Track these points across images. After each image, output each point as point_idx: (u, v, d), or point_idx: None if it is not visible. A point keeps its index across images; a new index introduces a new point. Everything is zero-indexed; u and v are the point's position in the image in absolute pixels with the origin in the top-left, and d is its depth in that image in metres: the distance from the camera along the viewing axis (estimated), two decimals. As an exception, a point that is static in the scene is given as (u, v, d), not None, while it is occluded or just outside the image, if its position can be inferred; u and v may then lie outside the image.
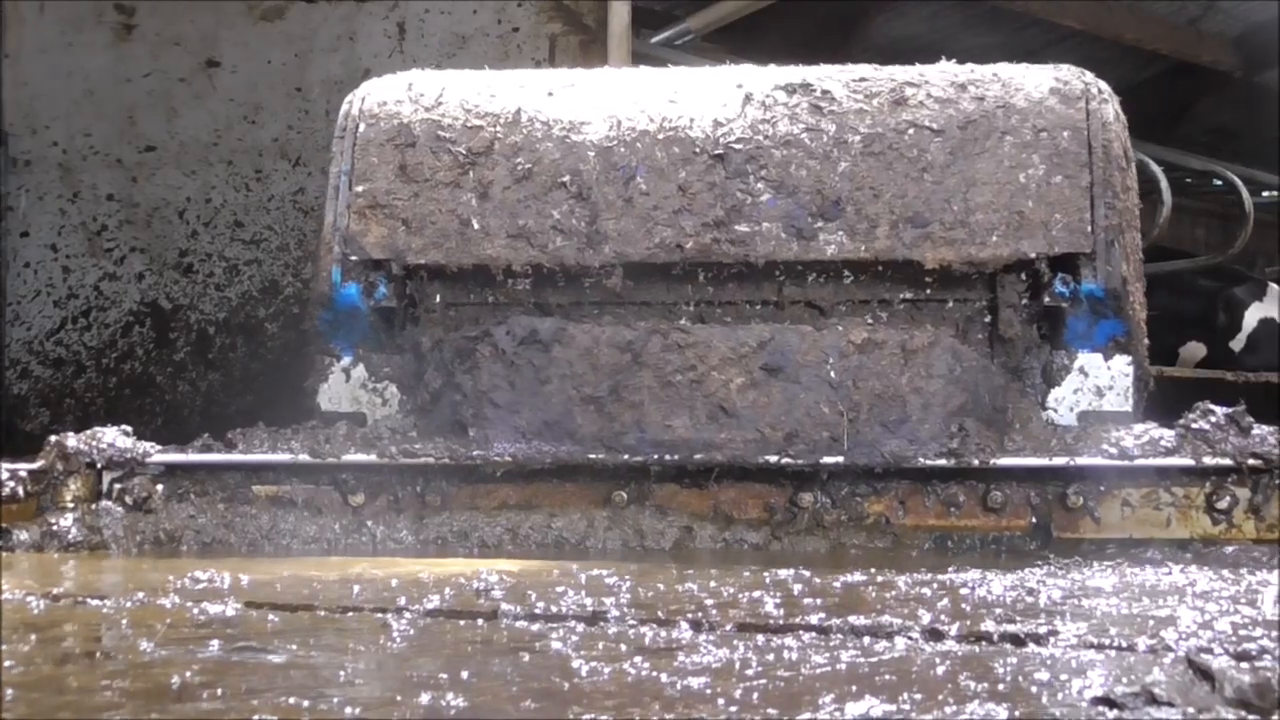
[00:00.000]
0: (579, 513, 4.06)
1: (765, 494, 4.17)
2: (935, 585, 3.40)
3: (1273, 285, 11.85)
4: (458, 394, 4.27)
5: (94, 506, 3.88)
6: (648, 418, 4.14)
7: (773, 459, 4.10)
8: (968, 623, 2.82)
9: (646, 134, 4.54)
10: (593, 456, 4.09)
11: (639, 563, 3.75)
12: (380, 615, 2.97)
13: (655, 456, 4.08)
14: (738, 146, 4.53)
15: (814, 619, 2.89)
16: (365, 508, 4.08)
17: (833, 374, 4.22)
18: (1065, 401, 4.53)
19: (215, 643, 2.64)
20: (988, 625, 2.80)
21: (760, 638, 2.69)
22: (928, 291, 4.54)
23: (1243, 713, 1.90)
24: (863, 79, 4.78)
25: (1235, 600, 3.14)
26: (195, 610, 3.00)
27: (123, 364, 9.28)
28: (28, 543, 3.69)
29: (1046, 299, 4.50)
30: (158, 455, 4.00)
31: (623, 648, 2.61)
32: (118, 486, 3.90)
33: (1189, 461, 4.13)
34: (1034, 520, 4.17)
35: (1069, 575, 3.58)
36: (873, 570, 3.59)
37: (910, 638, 2.68)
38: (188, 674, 2.32)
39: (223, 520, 3.92)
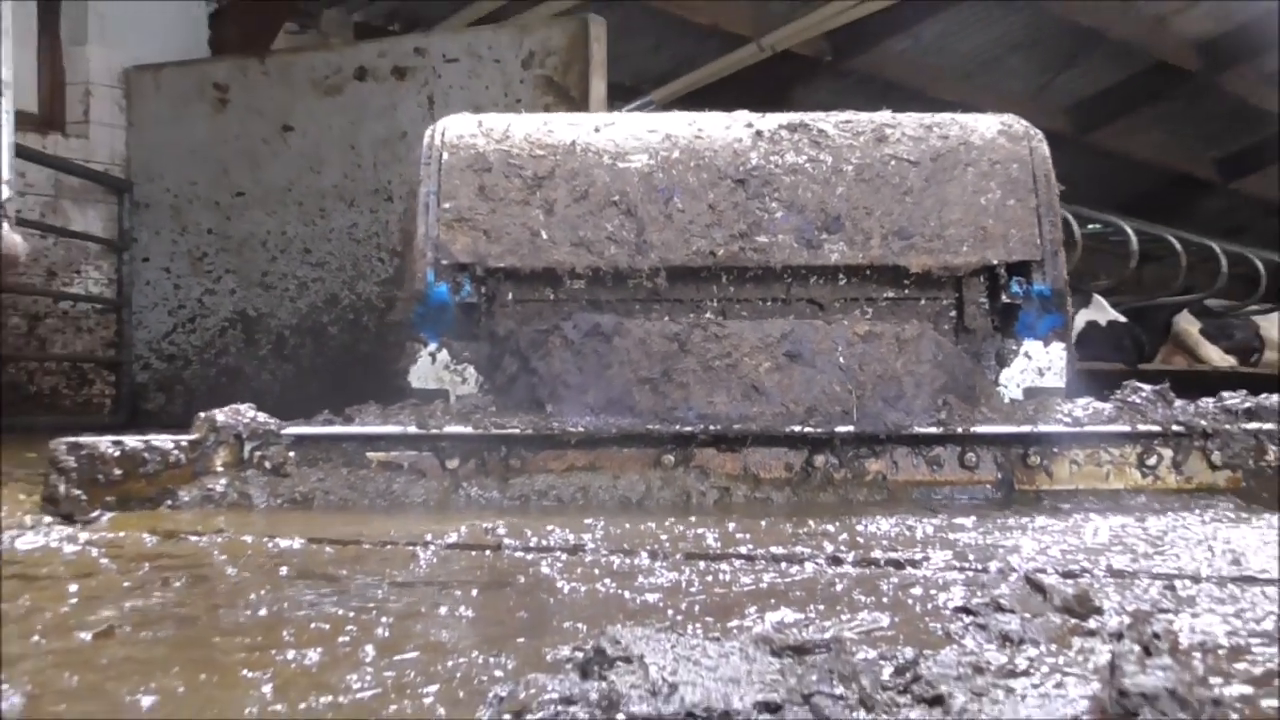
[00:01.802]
0: (637, 474, 4.06)
1: (786, 457, 4.18)
2: (836, 525, 3.46)
3: (1097, 296, 12.79)
4: (534, 377, 4.29)
5: (242, 474, 3.89)
6: (693, 396, 4.20)
7: (797, 429, 4.12)
8: (861, 551, 2.96)
9: (679, 162, 4.59)
10: (650, 428, 4.08)
11: (680, 515, 3.74)
12: (410, 548, 3.07)
13: (702, 427, 4.09)
14: (754, 173, 4.61)
15: (743, 549, 3.01)
16: (459, 471, 4.08)
17: (841, 359, 4.29)
18: (1014, 380, 4.66)
19: (284, 568, 2.81)
20: (876, 553, 2.93)
21: (702, 564, 2.82)
22: (907, 291, 4.64)
23: (1066, 616, 2.07)
24: (848, 120, 4.85)
25: (1064, 533, 3.27)
26: (269, 544, 3.13)
27: (219, 359, 9.48)
28: (189, 501, 3.69)
29: (1005, 298, 4.64)
30: (289, 428, 4.02)
31: (596, 571, 2.74)
32: (258, 454, 3.95)
33: (1126, 428, 4.20)
34: (999, 476, 4.23)
35: (948, 519, 3.63)
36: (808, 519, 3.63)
37: (817, 563, 2.81)
38: (263, 590, 2.52)
39: (346, 482, 3.94)
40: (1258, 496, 4.07)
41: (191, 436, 3.87)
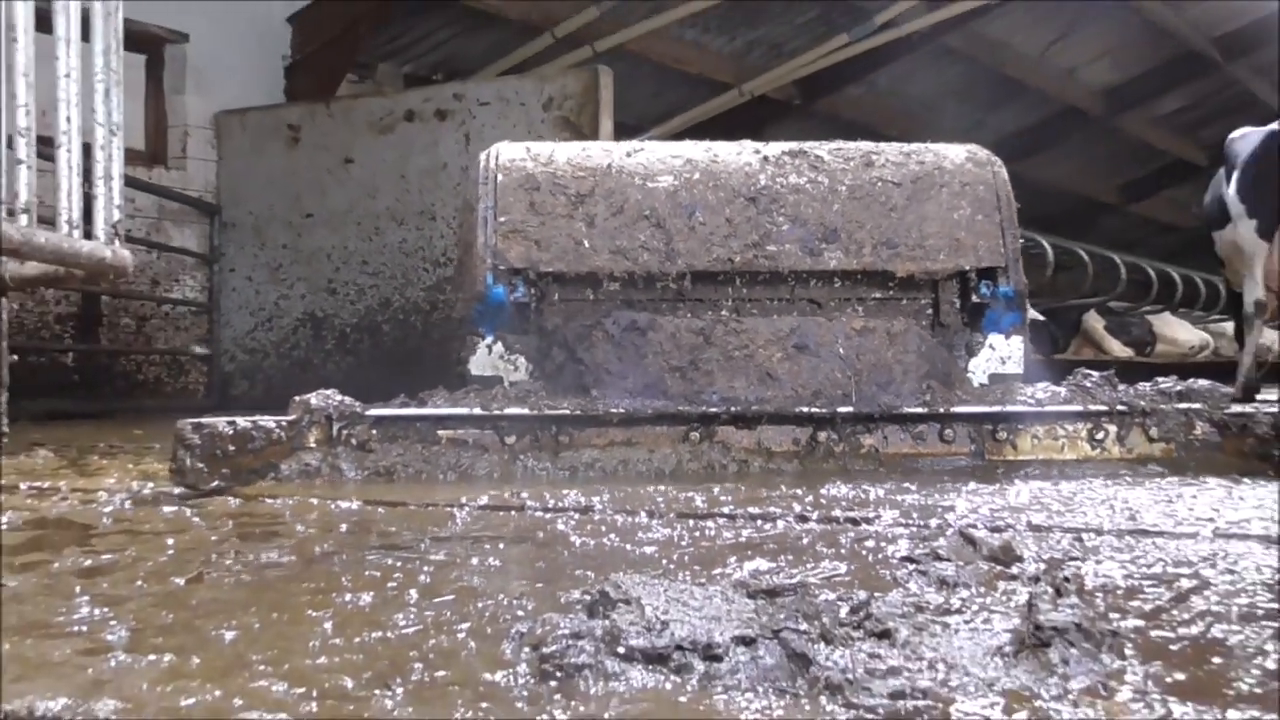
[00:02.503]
0: (670, 449, 3.94)
1: (793, 433, 4.07)
2: (804, 488, 3.41)
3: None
4: (580, 365, 4.16)
5: (333, 450, 3.74)
6: (717, 381, 4.09)
7: (805, 409, 4.03)
8: (824, 510, 2.93)
9: (700, 183, 4.46)
10: (682, 409, 3.98)
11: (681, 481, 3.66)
12: (449, 509, 3.02)
13: (726, 409, 3.98)
14: (764, 192, 4.48)
15: (725, 510, 2.97)
16: (516, 445, 3.94)
17: (841, 350, 4.19)
18: (981, 367, 4.54)
19: (344, 525, 2.79)
20: (836, 512, 2.91)
21: (691, 521, 2.79)
22: (891, 292, 4.51)
23: (993, 564, 2.06)
24: (839, 148, 4.73)
25: (993, 495, 3.24)
26: (332, 505, 3.10)
27: (292, 352, 9.40)
28: (289, 474, 3.57)
29: (974, 298, 4.52)
30: (372, 410, 3.87)
31: (603, 528, 2.71)
32: (345, 432, 3.78)
33: (1079, 408, 4.13)
34: (973, 448, 4.14)
35: (896, 483, 3.56)
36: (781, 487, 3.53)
37: (787, 520, 2.78)
38: (326, 544, 2.51)
39: (422, 457, 3.79)
40: (1186, 465, 4.02)
41: (289, 417, 3.75)
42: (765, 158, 4.63)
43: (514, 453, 3.96)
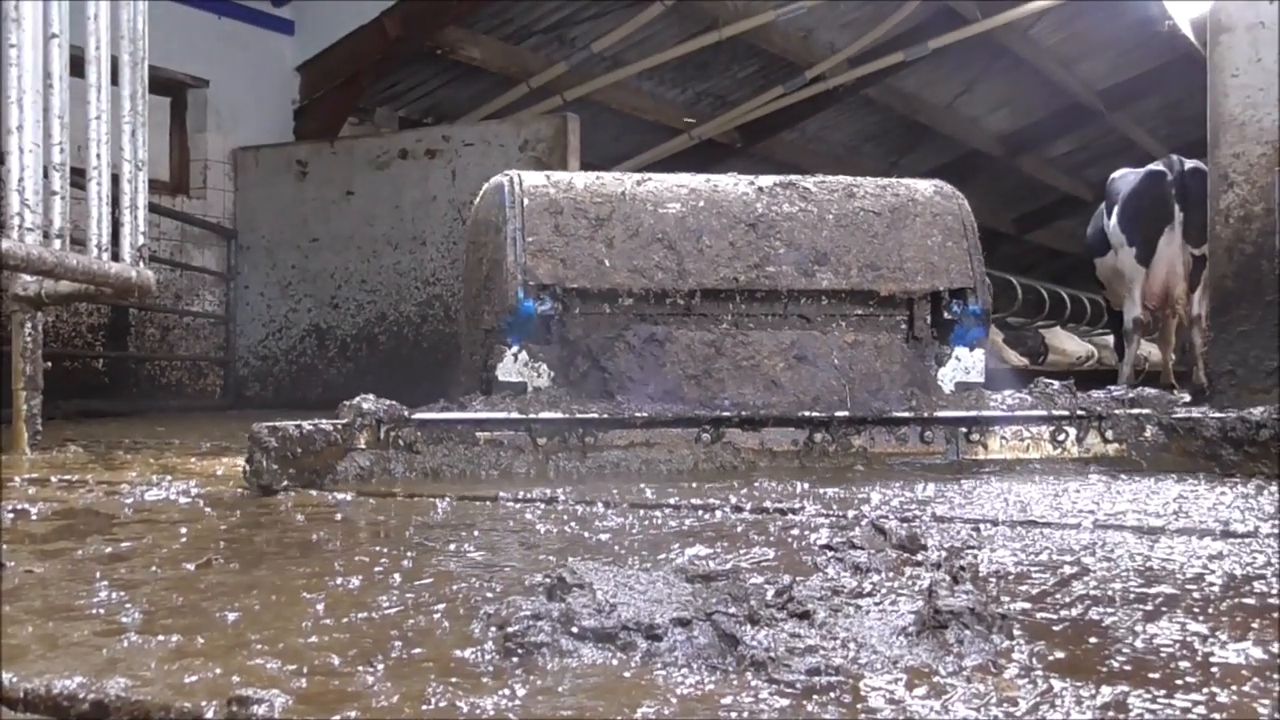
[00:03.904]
0: (687, 450, 3.82)
1: (793, 435, 3.96)
2: (737, 483, 3.38)
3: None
4: (605, 373, 4.00)
5: (385, 452, 3.53)
6: (727, 388, 3.97)
7: (806, 413, 3.93)
8: (757, 502, 2.90)
9: (704, 210, 4.31)
10: (698, 413, 3.86)
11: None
12: (432, 499, 2.98)
13: (737, 413, 3.88)
14: (761, 219, 4.33)
15: (671, 501, 2.92)
16: (546, 446, 3.79)
17: (836, 361, 4.09)
18: (949, 376, 4.40)
19: (338, 515, 2.73)
20: (767, 504, 2.85)
21: (642, 511, 2.76)
22: (872, 309, 4.36)
23: (901, 551, 2.02)
24: (824, 181, 4.61)
25: (903, 489, 3.20)
26: (329, 496, 3.04)
27: (299, 359, 9.39)
28: (343, 474, 3.34)
29: (946, 315, 4.42)
30: (417, 414, 3.66)
31: (565, 517, 2.67)
32: (393, 435, 3.56)
33: (1043, 412, 4.06)
34: (948, 447, 4.08)
35: (818, 478, 3.51)
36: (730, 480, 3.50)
37: (724, 511, 2.75)
38: (322, 532, 2.45)
39: (466, 459, 3.63)
40: (1137, 463, 3.95)
41: (343, 420, 3.50)
42: (759, 188, 4.51)
43: (545, 453, 3.81)
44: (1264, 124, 4.99)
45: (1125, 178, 9.34)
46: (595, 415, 3.84)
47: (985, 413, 4.12)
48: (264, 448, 3.06)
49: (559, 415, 3.82)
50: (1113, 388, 4.31)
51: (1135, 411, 4.08)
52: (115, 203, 4.59)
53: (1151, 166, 9.14)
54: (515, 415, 3.81)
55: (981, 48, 13.23)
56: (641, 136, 13.04)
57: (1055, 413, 4.10)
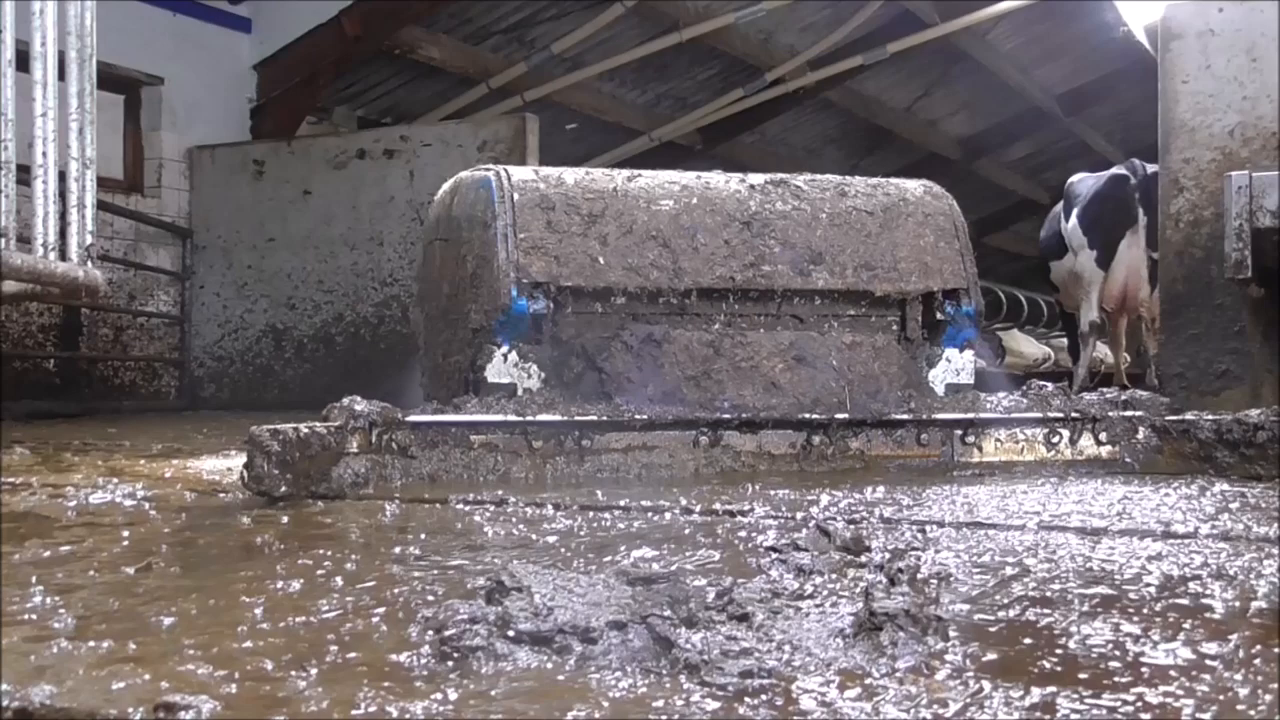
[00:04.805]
0: (687, 454, 3.78)
1: (791, 438, 3.92)
2: (692, 484, 3.41)
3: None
4: (601, 374, 3.91)
5: (381, 458, 3.42)
6: (726, 390, 3.89)
7: (806, 416, 3.87)
8: (706, 504, 2.89)
9: (698, 207, 4.22)
10: (698, 414, 3.79)
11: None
12: (380, 502, 2.98)
13: (737, 415, 3.82)
14: (756, 217, 4.25)
15: (620, 503, 2.90)
16: (542, 450, 3.69)
17: (834, 363, 4.03)
18: (939, 378, 4.34)
19: (285, 518, 2.72)
20: (716, 505, 2.85)
21: (591, 513, 2.75)
22: (865, 309, 4.31)
23: (845, 553, 2.02)
24: (815, 179, 4.53)
25: (850, 491, 3.19)
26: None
27: (255, 360, 9.32)
28: (338, 480, 3.20)
29: (939, 315, 4.35)
30: (410, 416, 3.54)
31: (514, 519, 2.67)
32: (385, 438, 3.44)
33: (1039, 414, 4.02)
34: (944, 449, 4.05)
35: (765, 483, 3.49)
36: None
37: (674, 513, 2.74)
38: (267, 534, 2.45)
39: (462, 463, 3.56)
40: (1129, 465, 3.95)
41: (335, 423, 3.34)
42: (751, 186, 4.43)
43: (542, 457, 3.72)
44: (1214, 129, 5.05)
45: (1084, 181, 9.41)
46: (595, 418, 3.75)
47: (982, 415, 4.10)
48: (266, 452, 2.93)
49: (556, 417, 3.72)
50: (1105, 390, 4.30)
51: (1129, 414, 4.08)
52: (63, 201, 4.53)
53: (1114, 170, 9.21)
54: (511, 418, 3.70)
55: (940, 52, 13.32)
56: (602, 138, 13.03)
57: (1050, 415, 4.09)
